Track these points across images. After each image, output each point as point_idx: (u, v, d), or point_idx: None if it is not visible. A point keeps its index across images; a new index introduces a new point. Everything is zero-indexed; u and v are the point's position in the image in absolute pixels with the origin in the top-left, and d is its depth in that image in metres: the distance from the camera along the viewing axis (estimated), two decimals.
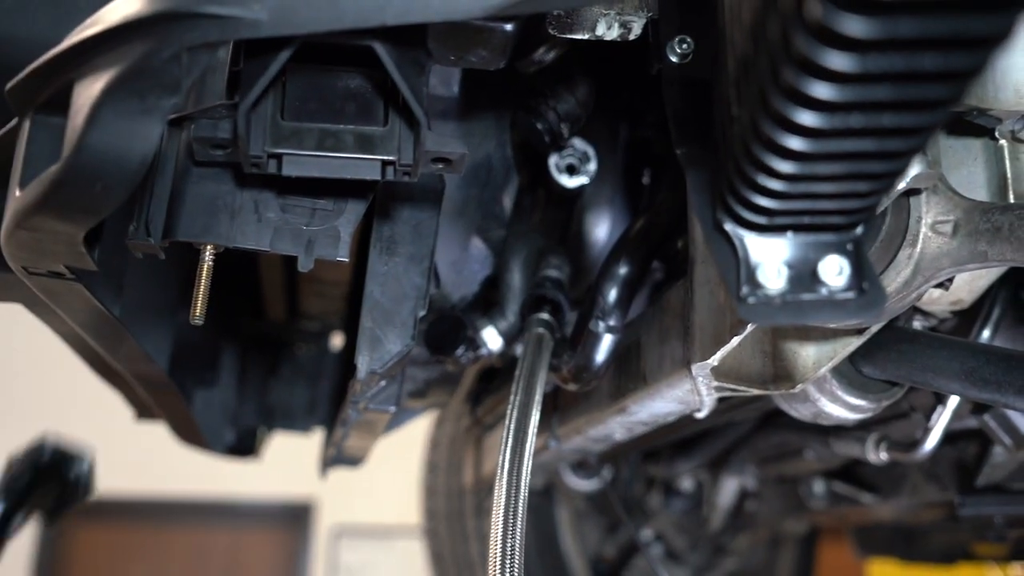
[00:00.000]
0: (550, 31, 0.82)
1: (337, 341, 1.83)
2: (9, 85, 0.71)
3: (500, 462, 0.91)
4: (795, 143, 0.48)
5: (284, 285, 1.56)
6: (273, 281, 1.53)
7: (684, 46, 0.77)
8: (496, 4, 0.61)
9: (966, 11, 0.39)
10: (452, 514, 2.14)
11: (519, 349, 1.26)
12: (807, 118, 0.46)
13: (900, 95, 0.43)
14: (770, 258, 0.59)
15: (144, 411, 1.62)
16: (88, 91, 0.64)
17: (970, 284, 0.92)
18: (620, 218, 1.24)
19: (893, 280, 0.77)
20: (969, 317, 1.03)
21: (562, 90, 1.03)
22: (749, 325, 0.77)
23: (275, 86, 0.72)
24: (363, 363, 0.92)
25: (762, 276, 0.59)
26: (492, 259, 1.18)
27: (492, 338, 1.17)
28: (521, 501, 0.90)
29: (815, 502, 1.68)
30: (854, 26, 0.41)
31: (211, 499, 6.04)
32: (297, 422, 1.83)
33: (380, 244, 0.94)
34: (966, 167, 0.84)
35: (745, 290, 0.59)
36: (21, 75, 0.70)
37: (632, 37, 0.83)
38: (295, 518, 5.99)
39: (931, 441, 1.09)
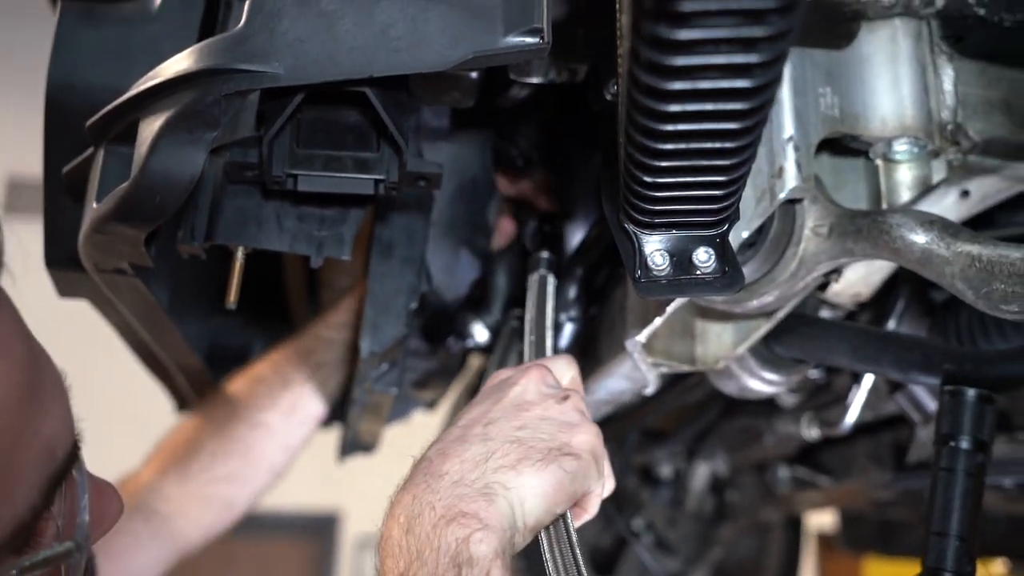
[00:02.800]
0: (511, 76, 1.02)
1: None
2: (89, 122, 0.92)
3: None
4: (648, 160, 0.69)
5: (306, 291, 1.77)
6: (297, 288, 1.74)
7: (616, 87, 0.98)
8: (454, 60, 0.82)
9: (745, 19, 0.57)
10: None
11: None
12: (652, 143, 0.67)
13: (709, 108, 0.63)
14: (657, 249, 0.80)
15: (184, 404, 1.84)
16: (150, 127, 0.85)
17: (866, 279, 1.11)
18: None
19: (782, 273, 0.96)
20: (879, 310, 1.22)
21: (532, 121, 1.24)
22: (669, 308, 0.97)
23: (292, 121, 0.93)
24: (365, 345, 1.12)
25: (652, 263, 0.79)
26: (480, 264, 1.38)
27: (479, 331, 1.38)
28: None
29: (781, 487, 1.86)
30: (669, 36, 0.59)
31: None
32: None
33: (379, 248, 1.14)
34: (851, 184, 1.04)
35: (639, 273, 0.80)
36: (99, 115, 0.91)
37: (578, 80, 1.04)
38: (321, 529, 6.19)
39: (850, 416, 1.28)
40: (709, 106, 0.61)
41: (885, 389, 1.32)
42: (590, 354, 1.21)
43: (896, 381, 1.24)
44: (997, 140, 0.99)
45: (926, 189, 1.00)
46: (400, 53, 0.83)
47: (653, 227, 0.79)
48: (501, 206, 1.37)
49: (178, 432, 1.49)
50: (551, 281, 1.17)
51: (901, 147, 0.99)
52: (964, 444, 0.95)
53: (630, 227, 0.80)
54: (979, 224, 1.02)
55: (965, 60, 0.99)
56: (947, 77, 0.99)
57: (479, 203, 1.32)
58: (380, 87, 0.89)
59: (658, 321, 0.98)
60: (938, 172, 1.01)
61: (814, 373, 1.35)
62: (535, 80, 1.03)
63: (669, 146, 0.66)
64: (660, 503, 2.17)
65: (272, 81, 0.83)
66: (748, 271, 0.97)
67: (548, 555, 0.89)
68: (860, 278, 1.11)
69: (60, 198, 1.07)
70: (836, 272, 1.04)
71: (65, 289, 1.17)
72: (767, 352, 1.11)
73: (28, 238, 0.88)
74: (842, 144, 1.01)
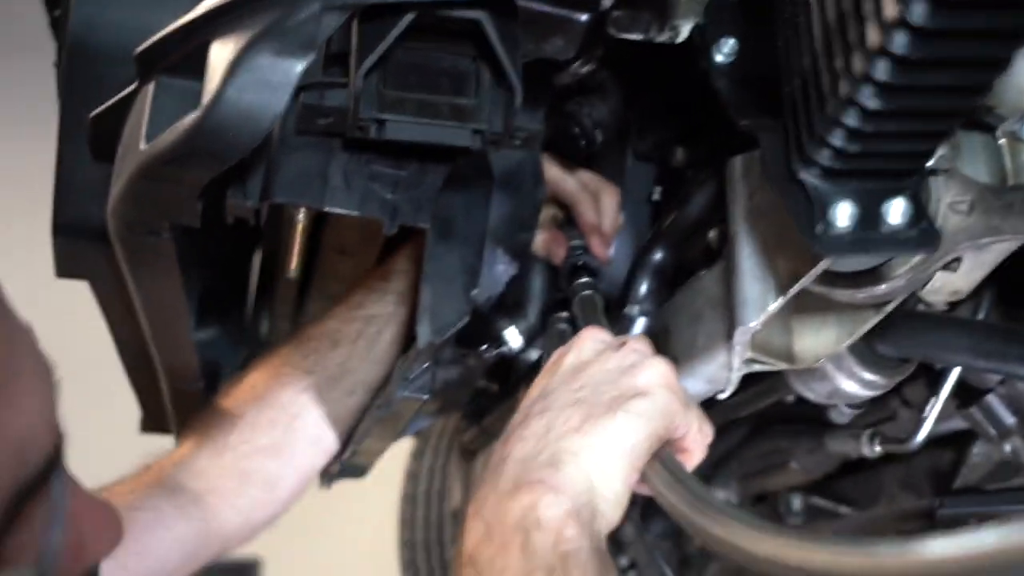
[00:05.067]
0: (609, 29, 0.91)
1: None
2: (139, 49, 0.78)
3: None
4: (859, 109, 0.60)
5: (296, 303, 1.61)
6: (286, 298, 1.58)
7: (728, 47, 0.88)
8: None
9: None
10: (431, 543, 2.18)
11: (534, 353, 1.34)
12: (875, 97, 0.58)
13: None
14: (840, 201, 0.69)
15: (151, 423, 1.65)
16: (226, 48, 0.72)
17: (968, 275, 1.02)
18: (626, 235, 1.33)
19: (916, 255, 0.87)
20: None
21: (596, 99, 1.13)
22: (793, 287, 0.86)
23: (380, 61, 0.80)
24: (424, 333, 0.99)
25: (833, 216, 0.69)
26: (517, 262, 1.25)
27: (513, 336, 1.25)
28: None
29: (793, 518, 1.76)
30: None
31: None
32: None
33: (437, 226, 1.01)
34: (970, 164, 0.95)
35: (819, 228, 0.69)
36: (153, 39, 0.77)
37: (679, 40, 0.93)
38: None
39: (924, 431, 1.18)
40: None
41: (952, 404, 1.23)
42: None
43: (978, 386, 1.15)
44: None
45: None
46: None
47: (843, 176, 0.68)
48: (546, 208, 1.25)
49: (214, 404, 1.29)
50: (599, 300, 1.09)
51: None
52: None
53: (808, 177, 0.69)
54: None
55: None
56: None
57: (523, 193, 1.20)
58: (494, 15, 0.77)
59: (779, 302, 0.88)
60: None
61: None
62: (634, 36, 0.92)
63: (893, 101, 0.58)
64: (655, 535, 2.05)
65: None
66: None
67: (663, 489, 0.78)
68: (962, 274, 1.02)
69: (76, 155, 0.93)
70: (958, 260, 0.95)
71: (67, 266, 1.01)
72: (868, 351, 1.01)
73: None
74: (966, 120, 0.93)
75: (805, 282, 0.86)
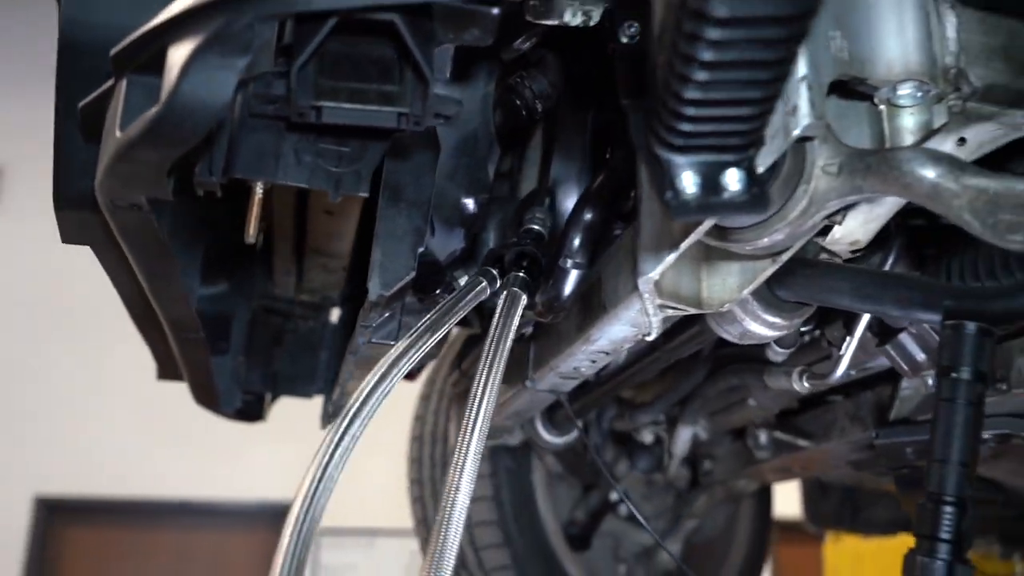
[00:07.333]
0: (527, 17, 1.04)
1: (336, 314, 2.04)
2: (113, 51, 0.92)
3: (470, 405, 1.11)
4: (697, 74, 0.71)
5: (294, 258, 1.77)
6: (284, 254, 1.73)
7: (632, 29, 1.00)
8: None
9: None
10: (437, 480, 2.35)
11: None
12: (702, 54, 0.69)
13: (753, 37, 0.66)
14: (687, 172, 0.82)
15: (167, 370, 1.83)
16: (180, 51, 0.86)
17: (864, 226, 1.14)
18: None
19: (793, 210, 0.99)
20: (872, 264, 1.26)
21: (537, 73, 1.26)
22: (683, 243, 0.99)
23: (316, 54, 0.94)
24: (375, 286, 1.13)
25: (681, 185, 0.82)
26: (475, 220, 1.39)
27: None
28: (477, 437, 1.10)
29: (761, 452, 1.90)
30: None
31: (196, 500, 6.21)
32: (299, 388, 2.03)
33: (387, 192, 1.15)
34: (856, 128, 1.07)
35: (669, 195, 0.82)
36: (124, 43, 0.91)
37: (592, 23, 1.06)
38: (279, 520, 6.13)
39: (841, 368, 1.31)
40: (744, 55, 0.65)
41: (873, 343, 1.36)
42: (593, 302, 1.23)
43: (892, 326, 1.27)
44: (996, 86, 1.03)
45: (927, 134, 1.03)
46: None
47: (684, 150, 0.81)
48: None
49: None
50: (522, 300, 1.19)
51: (905, 91, 1.02)
52: (964, 375, 0.98)
53: (662, 152, 0.82)
54: None
55: (966, 8, 1.03)
56: (950, 24, 1.02)
57: (479, 156, 1.33)
58: (407, 17, 0.90)
59: (672, 256, 1.01)
60: (939, 119, 1.04)
61: (804, 328, 1.39)
62: (551, 21, 1.04)
63: (719, 56, 0.69)
64: (641, 470, 2.20)
65: (305, 5, 0.84)
66: None
67: None
68: (859, 225, 1.14)
69: (71, 138, 1.07)
70: (840, 214, 1.07)
71: (70, 234, 1.16)
72: (770, 295, 1.14)
73: None
74: (847, 90, 1.04)
75: (692, 239, 0.99)
